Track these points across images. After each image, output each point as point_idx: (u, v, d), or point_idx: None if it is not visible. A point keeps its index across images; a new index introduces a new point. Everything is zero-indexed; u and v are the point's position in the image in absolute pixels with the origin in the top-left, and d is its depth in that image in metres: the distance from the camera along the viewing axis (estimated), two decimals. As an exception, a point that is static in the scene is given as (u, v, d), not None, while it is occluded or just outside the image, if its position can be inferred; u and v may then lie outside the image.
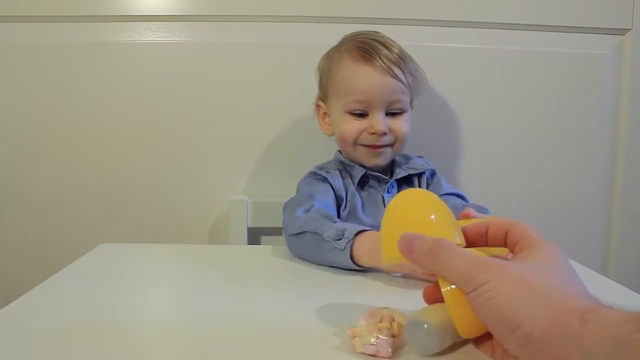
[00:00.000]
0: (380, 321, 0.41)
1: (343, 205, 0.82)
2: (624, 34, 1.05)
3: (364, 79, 0.80)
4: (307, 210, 0.73)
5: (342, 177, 0.84)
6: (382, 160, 0.83)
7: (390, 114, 0.82)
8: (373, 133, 0.80)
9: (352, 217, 0.82)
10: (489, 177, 1.05)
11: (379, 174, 0.84)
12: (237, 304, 0.53)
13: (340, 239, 0.62)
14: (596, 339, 0.26)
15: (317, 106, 0.90)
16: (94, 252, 0.72)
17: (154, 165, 1.04)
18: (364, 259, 0.60)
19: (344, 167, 0.86)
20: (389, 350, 0.39)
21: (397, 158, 0.88)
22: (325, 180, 0.82)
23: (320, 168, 0.86)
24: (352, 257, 0.61)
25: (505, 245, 0.37)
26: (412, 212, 0.43)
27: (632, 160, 1.07)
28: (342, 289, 0.57)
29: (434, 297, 0.40)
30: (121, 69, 1.02)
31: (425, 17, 1.01)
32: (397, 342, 0.40)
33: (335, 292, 0.56)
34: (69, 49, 1.01)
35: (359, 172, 0.83)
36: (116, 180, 1.04)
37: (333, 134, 0.88)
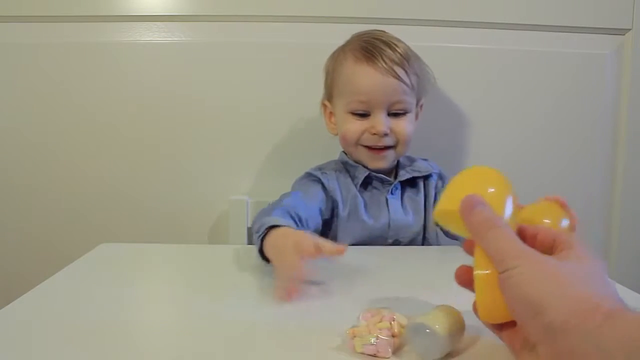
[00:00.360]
0: (380, 321, 0.41)
1: (342, 207, 0.82)
2: (624, 34, 1.05)
3: (365, 79, 0.80)
4: (273, 206, 0.73)
5: (342, 178, 0.84)
6: (385, 162, 0.83)
7: (393, 114, 0.81)
8: (374, 134, 0.80)
9: (353, 218, 0.82)
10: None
11: (383, 176, 0.84)
12: (237, 304, 0.53)
13: (258, 232, 0.62)
14: (616, 339, 0.26)
15: (324, 106, 0.90)
16: (94, 252, 0.72)
17: (154, 165, 1.04)
18: (269, 253, 0.59)
19: (346, 167, 0.86)
20: (389, 350, 0.39)
21: (401, 159, 0.87)
22: (318, 181, 0.82)
23: (319, 168, 0.86)
24: (262, 251, 0.60)
25: (552, 252, 0.38)
26: (473, 181, 0.43)
27: (632, 160, 1.07)
28: (342, 289, 0.57)
29: (465, 277, 0.40)
30: (121, 69, 1.02)
31: (425, 17, 1.01)
32: (397, 342, 0.40)
33: (336, 292, 0.56)
34: (69, 49, 1.01)
35: (362, 173, 0.83)
36: (116, 180, 1.04)
37: (338, 134, 0.88)
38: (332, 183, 0.83)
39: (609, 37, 1.05)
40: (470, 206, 0.37)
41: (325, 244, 0.54)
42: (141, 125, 1.03)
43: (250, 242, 1.01)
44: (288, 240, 0.55)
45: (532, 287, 0.31)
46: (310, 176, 0.84)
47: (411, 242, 0.83)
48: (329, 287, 0.59)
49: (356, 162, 0.85)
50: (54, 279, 0.59)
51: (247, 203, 0.99)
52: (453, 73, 1.04)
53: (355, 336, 0.40)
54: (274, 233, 0.60)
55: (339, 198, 0.82)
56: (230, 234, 1.00)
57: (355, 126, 0.81)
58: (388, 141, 0.81)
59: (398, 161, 0.87)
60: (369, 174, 0.83)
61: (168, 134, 1.03)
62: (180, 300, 0.56)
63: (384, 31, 0.85)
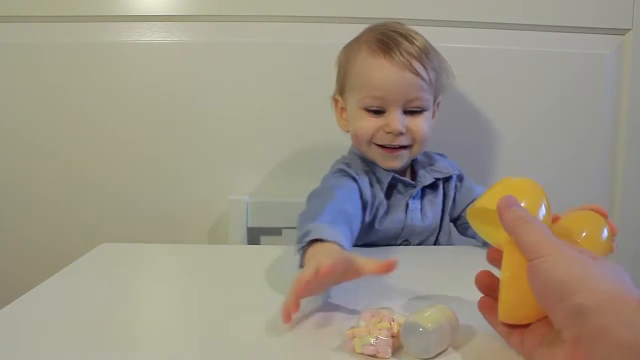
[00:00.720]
0: (380, 321, 0.41)
1: (368, 212, 0.75)
2: (624, 34, 1.05)
3: (380, 73, 0.74)
4: (323, 199, 0.66)
5: (371, 183, 0.78)
6: (398, 163, 0.77)
7: (409, 112, 0.76)
8: (389, 132, 0.74)
9: (371, 223, 0.76)
10: (486, 177, 1.05)
11: (407, 179, 0.79)
12: (236, 304, 0.53)
13: (300, 242, 0.56)
14: None
15: (335, 100, 0.84)
16: (94, 252, 0.72)
17: (154, 165, 1.04)
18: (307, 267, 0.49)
19: (369, 168, 0.79)
20: (389, 350, 0.39)
21: (418, 157, 0.82)
22: (353, 180, 0.75)
23: (348, 165, 0.79)
24: (302, 265, 0.55)
25: None
26: (510, 188, 0.44)
27: (632, 161, 1.07)
28: (342, 289, 0.57)
29: (485, 280, 0.43)
30: (121, 69, 1.02)
31: (425, 17, 1.01)
32: (396, 343, 0.40)
33: (336, 293, 0.56)
34: (69, 49, 1.01)
35: (386, 177, 0.78)
36: (116, 180, 1.04)
37: (349, 131, 0.82)
38: (364, 186, 0.76)
39: (609, 37, 1.05)
40: (507, 204, 0.39)
41: (369, 263, 0.48)
42: (141, 125, 1.03)
43: (250, 242, 1.01)
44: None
45: (564, 272, 0.32)
46: (344, 172, 0.77)
47: (421, 242, 0.80)
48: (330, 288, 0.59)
49: (367, 160, 0.80)
50: (54, 279, 0.59)
51: (247, 203, 0.99)
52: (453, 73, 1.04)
53: (354, 337, 0.40)
54: (318, 248, 0.53)
55: (368, 204, 0.75)
56: (230, 234, 1.00)
57: (369, 124, 0.76)
58: (403, 140, 0.75)
59: (415, 158, 0.82)
60: (393, 176, 0.77)
61: (168, 133, 1.03)
62: (180, 300, 0.56)
63: (401, 23, 0.80)
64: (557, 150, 1.07)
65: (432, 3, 1.02)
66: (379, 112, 0.76)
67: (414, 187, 0.79)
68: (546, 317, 0.35)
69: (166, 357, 0.41)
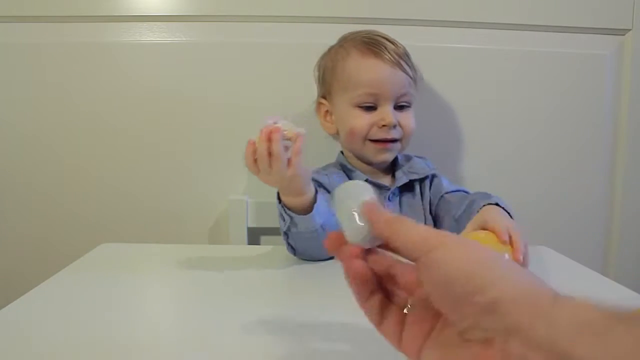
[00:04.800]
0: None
1: None
2: (624, 34, 1.05)
3: (374, 71, 0.80)
4: None
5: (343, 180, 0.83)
6: (390, 155, 0.83)
7: (399, 107, 0.82)
8: (384, 125, 0.80)
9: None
10: (487, 177, 1.05)
11: (381, 182, 0.83)
12: (236, 304, 0.53)
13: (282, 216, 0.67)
14: (567, 317, 0.24)
15: (319, 104, 0.89)
16: (94, 252, 0.72)
17: (154, 165, 1.04)
18: (283, 194, 0.65)
19: (345, 171, 0.85)
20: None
21: (399, 158, 0.87)
22: (320, 186, 0.79)
23: (321, 170, 0.85)
24: (280, 201, 0.66)
25: None
26: None
27: (632, 160, 1.07)
28: (342, 289, 0.57)
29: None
30: (121, 69, 1.02)
31: (424, 18, 1.01)
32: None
33: (336, 292, 0.56)
34: (69, 49, 1.01)
35: (361, 179, 0.81)
36: (116, 180, 1.04)
37: (336, 133, 0.87)
38: (332, 181, 0.81)
39: (609, 38, 1.05)
40: (373, 207, 0.32)
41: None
42: (141, 125, 1.03)
43: (250, 242, 1.01)
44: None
45: (466, 264, 0.27)
46: (316, 183, 0.80)
47: None
48: (328, 287, 0.59)
49: (358, 158, 0.84)
50: (54, 279, 0.59)
51: (246, 203, 0.99)
52: (452, 73, 1.04)
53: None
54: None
55: None
56: (230, 234, 1.00)
57: (364, 120, 0.81)
58: (395, 133, 0.81)
59: (396, 159, 0.86)
60: (367, 179, 0.82)
61: (168, 133, 1.03)
62: (180, 300, 0.56)
63: (376, 30, 0.87)
64: (557, 151, 1.07)
65: (433, 3, 1.02)
66: (371, 109, 0.81)
67: (388, 189, 0.82)
68: (430, 312, 0.30)
69: (166, 357, 0.41)
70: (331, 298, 0.54)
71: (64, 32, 1.01)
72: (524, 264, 0.48)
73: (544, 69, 1.05)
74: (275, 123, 0.57)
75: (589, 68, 1.05)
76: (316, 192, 0.66)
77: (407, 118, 0.82)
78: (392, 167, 0.87)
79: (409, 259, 0.30)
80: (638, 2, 1.03)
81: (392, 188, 0.83)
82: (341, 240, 0.33)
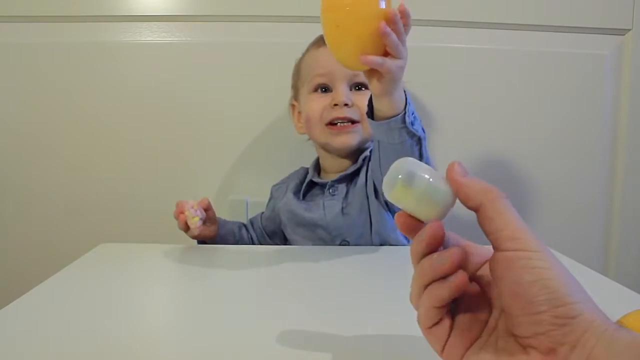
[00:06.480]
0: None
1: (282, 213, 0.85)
2: (624, 34, 1.05)
3: (324, 55, 0.79)
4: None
5: (290, 184, 0.87)
6: (351, 139, 0.79)
7: (356, 89, 0.80)
8: (336, 105, 0.78)
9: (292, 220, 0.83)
10: (487, 177, 1.05)
11: (318, 179, 0.84)
12: (237, 304, 0.53)
13: None
14: (627, 345, 0.26)
15: (292, 106, 0.91)
16: (94, 252, 0.72)
17: (154, 165, 1.04)
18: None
19: (308, 172, 0.88)
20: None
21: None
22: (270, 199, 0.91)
23: (283, 181, 0.91)
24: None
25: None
26: None
27: (632, 161, 1.07)
28: (342, 289, 0.57)
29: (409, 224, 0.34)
30: (121, 69, 1.02)
31: (424, 18, 1.01)
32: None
33: (336, 292, 0.56)
34: (69, 49, 1.01)
35: (308, 178, 0.85)
36: (116, 180, 1.04)
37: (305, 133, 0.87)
38: (277, 193, 0.89)
39: (609, 37, 1.05)
40: (462, 173, 0.33)
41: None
42: (141, 125, 1.03)
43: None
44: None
45: (561, 277, 0.28)
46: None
47: (359, 241, 0.78)
48: (328, 287, 0.59)
49: (325, 150, 0.83)
50: (54, 279, 0.59)
51: (246, 203, 0.99)
52: (452, 74, 1.04)
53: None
54: None
55: (279, 204, 0.86)
56: (230, 234, 1.00)
57: (317, 103, 0.80)
58: (350, 113, 0.78)
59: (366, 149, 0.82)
60: (310, 180, 0.84)
61: (168, 134, 1.03)
62: (179, 300, 0.56)
63: None
64: (557, 150, 1.07)
65: (433, 3, 1.02)
66: (326, 91, 0.81)
67: (325, 185, 0.82)
68: (474, 318, 0.32)
69: (166, 357, 0.41)
70: (331, 298, 0.54)
71: (64, 32, 1.01)
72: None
73: (544, 69, 1.05)
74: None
75: (589, 68, 1.05)
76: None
77: (365, 99, 0.72)
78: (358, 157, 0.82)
79: (493, 244, 0.30)
80: (638, 2, 1.03)
81: (327, 182, 0.81)
82: (413, 220, 0.33)
